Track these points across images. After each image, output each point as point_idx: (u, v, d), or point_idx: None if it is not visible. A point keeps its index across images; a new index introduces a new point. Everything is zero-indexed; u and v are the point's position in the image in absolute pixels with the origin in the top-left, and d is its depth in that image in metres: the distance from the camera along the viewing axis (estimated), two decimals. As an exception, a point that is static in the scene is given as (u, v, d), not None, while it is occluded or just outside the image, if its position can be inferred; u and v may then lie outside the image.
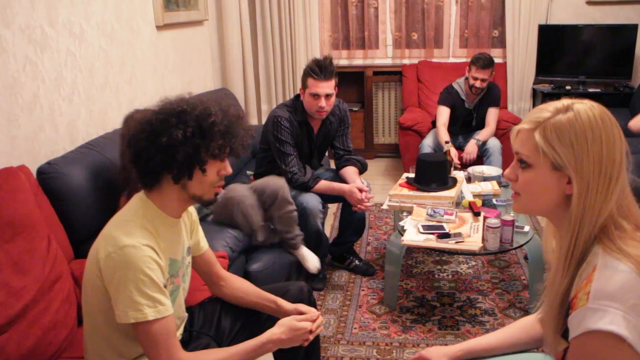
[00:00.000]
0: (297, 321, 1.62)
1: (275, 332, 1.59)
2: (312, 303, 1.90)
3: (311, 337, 1.63)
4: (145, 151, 1.47)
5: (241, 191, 2.73)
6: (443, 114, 4.26)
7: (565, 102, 1.21)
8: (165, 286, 1.50)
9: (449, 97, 4.28)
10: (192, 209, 1.78)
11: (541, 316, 1.46)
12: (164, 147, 1.45)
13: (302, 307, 1.79)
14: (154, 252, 1.45)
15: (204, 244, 1.82)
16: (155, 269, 1.44)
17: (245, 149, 1.63)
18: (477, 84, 4.10)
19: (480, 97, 4.24)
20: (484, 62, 4.07)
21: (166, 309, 1.45)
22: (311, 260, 2.92)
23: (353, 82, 5.47)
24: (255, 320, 1.87)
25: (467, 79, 4.19)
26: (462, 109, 4.29)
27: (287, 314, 1.77)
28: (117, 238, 1.43)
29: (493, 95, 4.26)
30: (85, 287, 1.54)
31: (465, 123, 4.35)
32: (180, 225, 1.65)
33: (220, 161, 1.55)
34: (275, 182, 2.81)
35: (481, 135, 4.18)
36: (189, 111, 1.48)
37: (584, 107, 1.18)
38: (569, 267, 1.19)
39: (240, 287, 1.88)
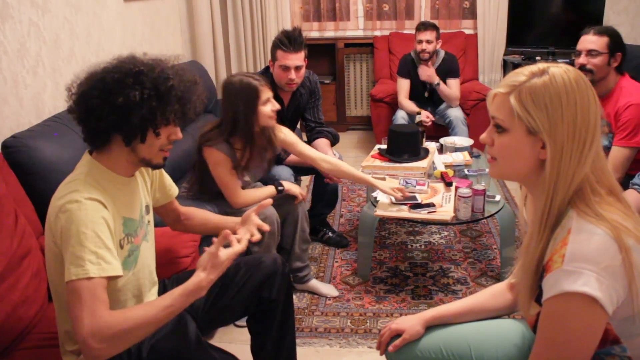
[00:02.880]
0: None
1: (192, 280, 1.43)
2: (286, 275, 1.90)
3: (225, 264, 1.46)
4: (98, 110, 1.43)
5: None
6: (402, 86, 4.29)
7: (541, 65, 1.20)
8: (121, 245, 1.49)
9: (406, 67, 4.29)
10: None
11: (514, 281, 1.48)
12: (119, 107, 1.41)
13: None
14: (100, 205, 1.42)
15: (174, 190, 1.87)
16: (101, 222, 1.40)
17: (196, 114, 1.62)
18: (424, 45, 4.09)
19: (436, 67, 4.21)
20: (425, 24, 4.11)
21: (112, 268, 1.37)
22: (325, 289, 2.85)
23: (324, 55, 5.42)
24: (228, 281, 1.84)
25: (415, 51, 4.21)
26: (417, 79, 4.27)
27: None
28: (62, 198, 1.42)
29: (450, 66, 4.24)
30: (47, 256, 1.51)
31: (422, 94, 4.35)
32: (135, 184, 1.63)
33: (173, 126, 1.53)
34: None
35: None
36: (146, 72, 1.45)
37: (559, 70, 1.17)
38: (544, 231, 1.20)
39: (200, 215, 1.99)
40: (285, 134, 2.71)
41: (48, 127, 2.39)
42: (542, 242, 1.21)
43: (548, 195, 1.18)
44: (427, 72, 4.12)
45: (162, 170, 1.79)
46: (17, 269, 1.88)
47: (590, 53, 2.61)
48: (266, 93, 2.49)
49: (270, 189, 2.64)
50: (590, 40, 2.65)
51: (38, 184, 2.19)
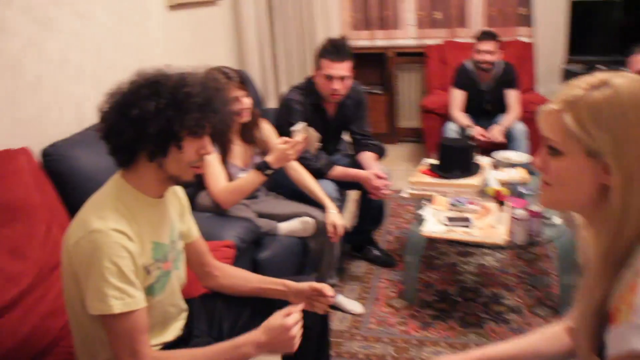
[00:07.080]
0: (281, 318, 1.43)
1: (255, 333, 1.43)
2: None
3: (295, 345, 1.43)
4: (116, 125, 1.36)
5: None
6: (457, 97, 4.12)
7: (600, 76, 1.02)
8: (148, 272, 1.41)
9: (462, 77, 4.13)
10: (181, 193, 1.66)
11: (572, 326, 1.30)
12: (135, 119, 1.33)
13: (318, 285, 1.67)
14: (125, 238, 1.34)
15: (195, 231, 1.71)
16: (125, 256, 1.33)
17: (228, 126, 1.50)
18: (487, 57, 3.92)
19: (496, 78, 4.04)
20: (486, 34, 3.96)
21: (135, 302, 1.34)
22: (351, 306, 2.76)
23: (374, 64, 5.28)
24: (265, 304, 1.73)
25: (475, 61, 4.04)
26: (475, 90, 4.11)
27: (299, 293, 1.67)
28: (86, 222, 1.34)
29: (508, 76, 4.06)
30: (63, 275, 1.44)
31: (479, 106, 4.16)
32: (165, 206, 1.53)
33: (199, 138, 1.42)
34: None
35: (505, 120, 3.98)
36: (163, 82, 1.37)
37: (624, 81, 0.99)
38: (607, 271, 1.02)
39: (238, 275, 1.78)
40: (267, 135, 2.70)
41: (88, 135, 2.36)
42: (605, 284, 1.02)
43: (614, 229, 1.00)
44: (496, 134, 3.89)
45: (189, 207, 1.70)
46: (47, 280, 1.88)
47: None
48: (232, 91, 2.42)
49: (255, 176, 2.40)
50: None
51: (74, 194, 2.15)
